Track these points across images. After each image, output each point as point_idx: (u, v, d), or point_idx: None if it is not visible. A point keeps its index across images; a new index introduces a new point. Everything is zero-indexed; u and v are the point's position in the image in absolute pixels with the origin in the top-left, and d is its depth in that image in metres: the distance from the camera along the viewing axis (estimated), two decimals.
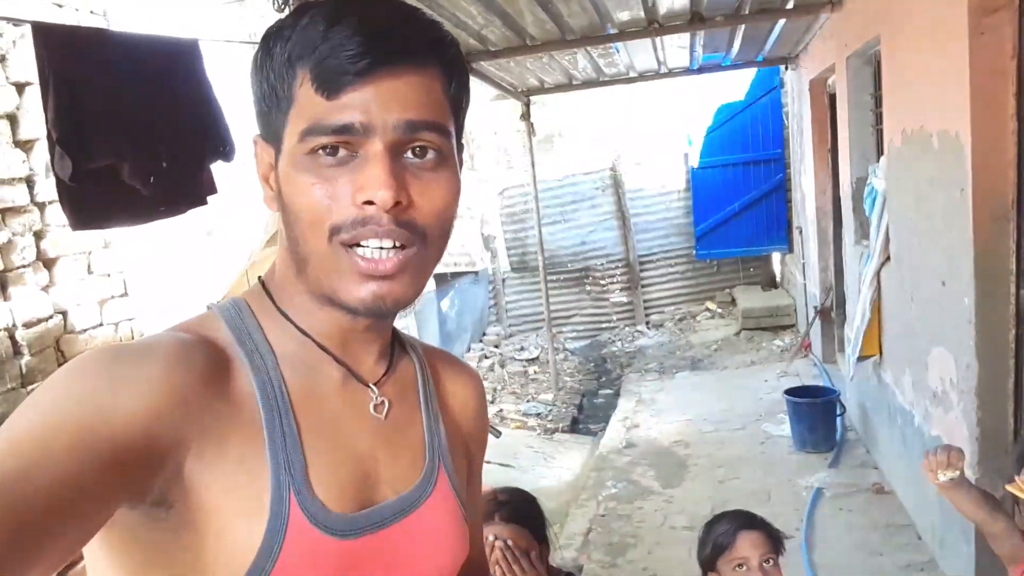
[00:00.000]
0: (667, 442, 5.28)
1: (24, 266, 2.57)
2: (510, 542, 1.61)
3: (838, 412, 4.77)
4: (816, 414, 4.72)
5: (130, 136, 1.71)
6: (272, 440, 0.67)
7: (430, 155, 0.69)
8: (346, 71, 0.64)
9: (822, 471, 4.36)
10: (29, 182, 2.61)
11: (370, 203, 0.65)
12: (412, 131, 0.66)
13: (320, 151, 0.66)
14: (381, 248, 0.67)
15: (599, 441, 5.79)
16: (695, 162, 8.77)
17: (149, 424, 0.59)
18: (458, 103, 0.73)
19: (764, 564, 1.79)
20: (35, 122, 2.48)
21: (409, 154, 0.68)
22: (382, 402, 0.78)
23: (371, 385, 0.77)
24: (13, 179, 2.54)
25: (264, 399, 0.68)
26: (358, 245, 0.67)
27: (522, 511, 1.74)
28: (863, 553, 3.44)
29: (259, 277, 0.77)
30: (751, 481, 4.41)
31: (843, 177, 4.81)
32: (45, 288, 2.64)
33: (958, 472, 1.53)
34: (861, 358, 4.24)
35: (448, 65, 0.70)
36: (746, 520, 1.87)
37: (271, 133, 0.70)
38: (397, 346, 0.84)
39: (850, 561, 3.38)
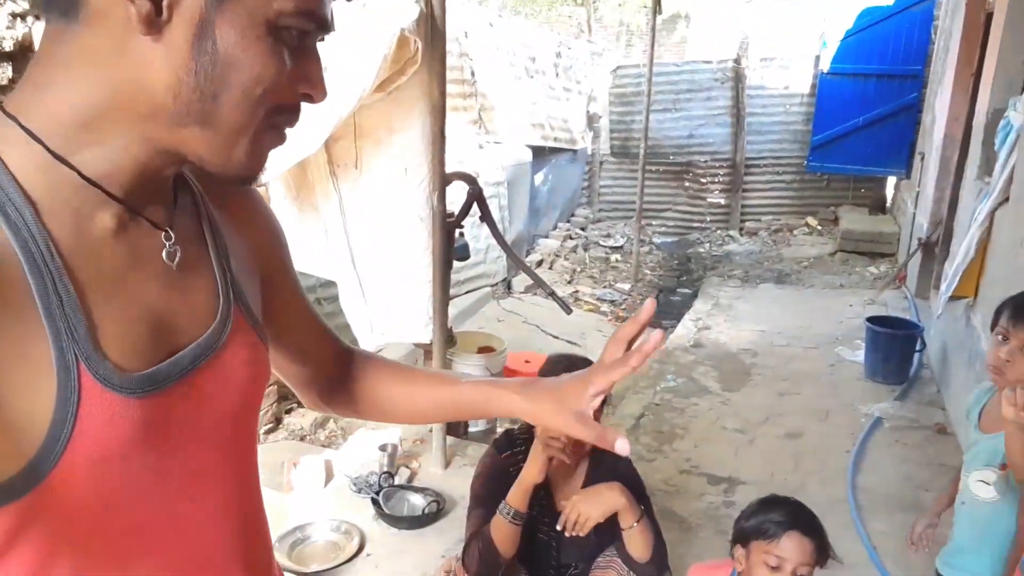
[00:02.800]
0: (735, 348, 5.30)
1: None
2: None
3: (917, 348, 4.66)
4: (894, 346, 4.63)
5: None
6: (47, 307, 0.60)
7: None
8: None
9: (887, 402, 4.32)
10: None
11: (307, 97, 0.68)
12: (325, 32, 0.68)
13: (291, 30, 0.64)
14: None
15: (668, 336, 5.86)
16: (826, 66, 8.23)
17: None
18: None
19: (798, 572, 1.66)
20: None
21: None
22: (175, 250, 0.71)
23: (168, 229, 0.71)
24: None
25: (29, 260, 0.59)
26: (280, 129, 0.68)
27: None
28: (909, 485, 3.46)
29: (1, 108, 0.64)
30: (812, 399, 4.42)
31: (980, 106, 4.46)
32: None
33: None
34: (954, 297, 4.09)
35: None
36: (805, 522, 1.71)
37: None
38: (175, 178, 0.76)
39: (893, 490, 3.41)
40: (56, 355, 0.60)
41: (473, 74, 6.58)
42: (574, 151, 8.81)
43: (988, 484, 1.82)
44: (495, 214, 5.75)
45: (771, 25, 8.86)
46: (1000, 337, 1.78)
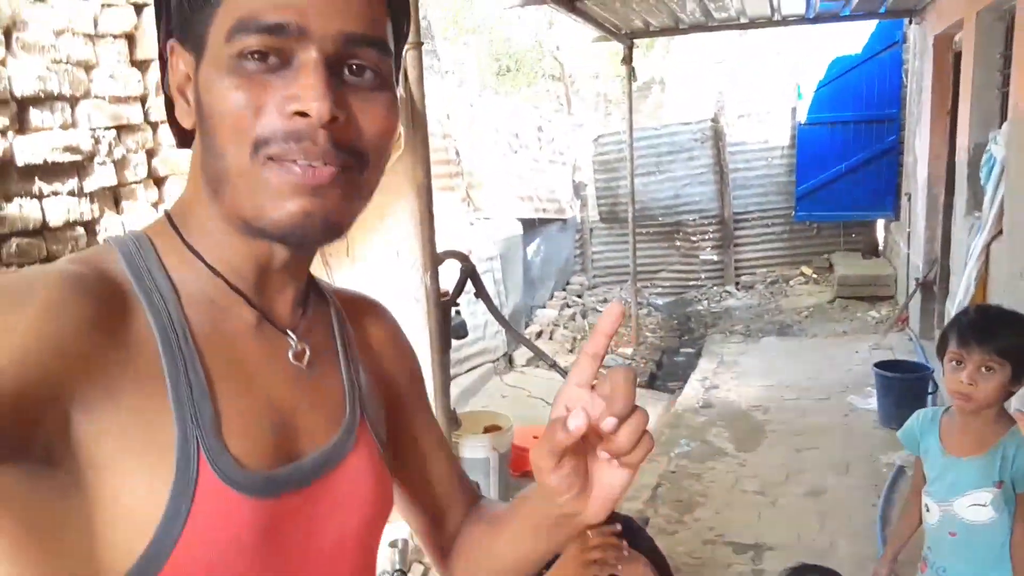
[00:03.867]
0: (745, 405, 5.20)
1: (136, 182, 2.72)
2: None
3: (930, 390, 4.56)
4: (906, 390, 4.54)
5: None
6: (176, 389, 0.60)
7: (368, 75, 0.62)
8: None
9: (907, 449, 4.20)
10: (143, 101, 2.74)
11: (302, 115, 0.59)
12: (351, 46, 0.61)
13: (248, 56, 0.59)
14: (311, 166, 0.61)
15: (676, 399, 5.75)
16: (803, 117, 8.37)
17: (18, 377, 0.51)
18: (399, 19, 0.67)
19: None
20: (151, 42, 2.58)
21: (345, 71, 0.62)
22: (302, 350, 0.71)
23: (288, 332, 0.71)
24: (129, 97, 2.67)
25: (165, 345, 0.61)
26: (290, 162, 0.60)
27: None
28: None
29: (165, 210, 0.70)
30: (830, 452, 4.31)
31: (960, 142, 4.51)
32: (155, 204, 2.80)
33: None
34: None
35: None
36: None
37: (192, 38, 0.63)
38: (312, 292, 0.77)
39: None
40: (179, 439, 0.59)
41: (458, 153, 6.67)
42: (564, 220, 8.87)
43: (984, 506, 1.80)
44: (490, 289, 5.72)
45: (745, 82, 9.06)
46: (954, 363, 1.80)
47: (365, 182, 0.65)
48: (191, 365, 0.62)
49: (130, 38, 2.67)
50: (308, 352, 0.71)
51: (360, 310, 0.83)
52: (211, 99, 0.61)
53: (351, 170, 0.63)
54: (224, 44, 0.60)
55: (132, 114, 2.69)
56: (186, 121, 0.66)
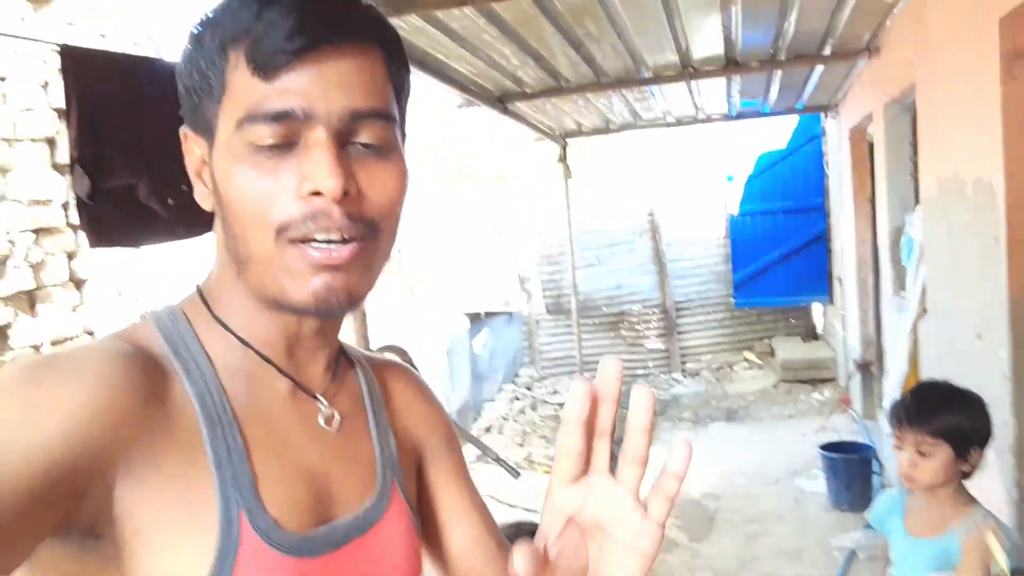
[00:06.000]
0: (697, 494, 5.13)
1: (55, 285, 2.64)
2: None
3: (875, 469, 4.58)
4: (852, 471, 4.56)
5: (149, 157, 1.75)
6: (216, 455, 0.62)
7: (375, 145, 0.65)
8: (282, 48, 0.60)
9: (857, 531, 4.17)
10: (65, 205, 2.70)
11: (317, 194, 0.61)
12: (357, 120, 0.63)
13: (265, 142, 0.62)
14: (330, 240, 0.63)
15: None
16: (735, 209, 8.69)
17: (67, 452, 0.54)
18: (400, 87, 0.69)
19: None
20: None
21: (352, 143, 0.64)
22: (332, 415, 0.73)
23: (319, 397, 0.73)
24: (49, 201, 2.63)
25: (204, 412, 0.64)
26: (310, 241, 0.63)
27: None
28: None
29: (196, 285, 0.73)
30: (782, 539, 4.25)
31: (881, 227, 4.71)
32: (74, 308, 2.71)
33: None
34: None
35: (389, 45, 0.67)
36: None
37: (202, 125, 0.66)
38: (342, 357, 0.80)
39: None
40: (220, 502, 0.61)
41: (400, 251, 6.70)
42: (510, 313, 8.90)
43: None
44: (438, 384, 5.63)
45: (679, 175, 9.39)
46: (896, 447, 1.81)
47: (380, 251, 0.68)
48: (229, 431, 0.64)
49: (51, 142, 2.65)
50: (337, 417, 0.74)
51: (388, 374, 0.85)
52: (228, 187, 0.64)
53: (366, 240, 0.65)
54: (235, 132, 0.62)
55: (52, 217, 2.64)
56: (205, 203, 0.68)
